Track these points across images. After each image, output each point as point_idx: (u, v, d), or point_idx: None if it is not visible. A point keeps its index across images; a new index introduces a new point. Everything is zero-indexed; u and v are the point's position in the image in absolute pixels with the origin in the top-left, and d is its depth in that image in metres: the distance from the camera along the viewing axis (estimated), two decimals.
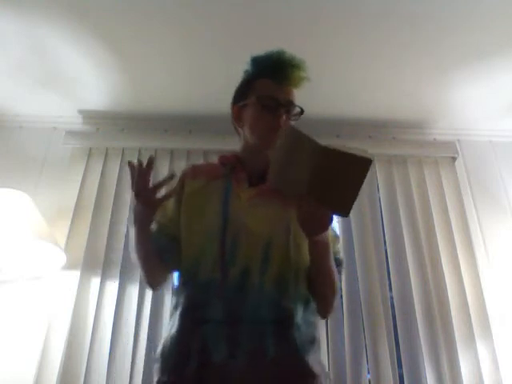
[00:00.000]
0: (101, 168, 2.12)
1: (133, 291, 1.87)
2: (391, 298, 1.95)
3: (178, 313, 1.05)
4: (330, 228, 1.01)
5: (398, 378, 1.78)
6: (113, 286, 1.87)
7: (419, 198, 2.13)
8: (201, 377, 0.94)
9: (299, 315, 1.03)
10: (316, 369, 0.99)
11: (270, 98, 1.15)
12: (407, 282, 1.93)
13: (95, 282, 1.87)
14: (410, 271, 1.95)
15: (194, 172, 1.22)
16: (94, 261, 1.91)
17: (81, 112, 2.25)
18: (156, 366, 1.04)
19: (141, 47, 1.86)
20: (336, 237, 1.22)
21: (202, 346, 0.97)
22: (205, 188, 1.15)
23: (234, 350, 0.95)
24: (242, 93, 1.22)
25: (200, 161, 2.18)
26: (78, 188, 2.04)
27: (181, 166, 2.16)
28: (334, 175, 0.89)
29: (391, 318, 1.89)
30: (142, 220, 1.09)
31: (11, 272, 1.82)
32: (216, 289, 1.00)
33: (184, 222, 1.13)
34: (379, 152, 2.19)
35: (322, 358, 1.07)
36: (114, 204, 2.03)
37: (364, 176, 0.88)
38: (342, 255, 1.22)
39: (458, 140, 2.32)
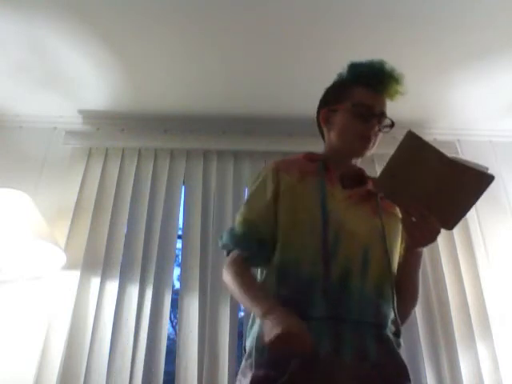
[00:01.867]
0: (101, 168, 2.12)
1: (133, 291, 1.87)
2: None
3: None
4: None
5: None
6: (113, 286, 1.87)
7: None
8: (306, 371, 0.93)
9: (394, 322, 1.05)
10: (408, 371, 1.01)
11: (366, 106, 1.14)
12: None
13: (95, 282, 1.87)
14: None
15: (284, 166, 1.17)
16: (94, 261, 1.90)
17: (81, 112, 2.25)
18: (248, 362, 0.98)
19: (141, 47, 1.86)
20: None
21: None
22: (301, 183, 1.12)
23: (339, 346, 0.96)
24: (335, 97, 1.21)
25: (199, 161, 2.18)
26: (78, 188, 2.04)
27: (181, 166, 2.16)
28: (451, 188, 0.87)
29: None
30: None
31: (11, 272, 1.82)
32: (319, 284, 1.00)
33: (283, 218, 1.09)
34: (379, 152, 2.17)
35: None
36: (114, 204, 2.03)
37: (482, 193, 0.86)
38: None
39: (458, 140, 2.31)
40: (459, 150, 2.25)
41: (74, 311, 1.79)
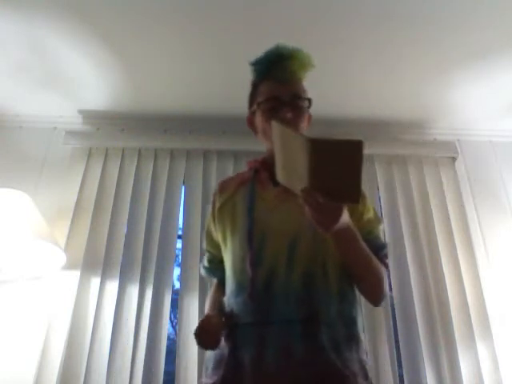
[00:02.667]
0: (101, 168, 2.12)
1: (133, 291, 1.87)
2: (391, 297, 1.95)
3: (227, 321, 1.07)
4: (351, 215, 0.97)
5: (397, 377, 1.78)
6: (113, 286, 1.87)
7: (419, 198, 2.13)
8: (233, 380, 0.96)
9: (332, 312, 1.00)
10: (349, 368, 0.95)
11: (269, 99, 1.13)
12: (407, 282, 1.93)
13: (95, 282, 1.87)
14: (410, 271, 1.95)
15: (221, 187, 1.24)
16: (94, 261, 1.91)
17: (81, 112, 2.25)
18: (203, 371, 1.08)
19: (141, 47, 1.86)
20: (377, 219, 1.16)
21: (233, 348, 0.99)
22: (233, 197, 1.17)
23: (262, 351, 0.95)
24: (250, 99, 1.22)
25: (199, 161, 2.18)
26: (78, 188, 2.04)
27: (181, 166, 2.16)
28: (330, 165, 0.86)
29: (391, 317, 1.89)
30: None
31: (11, 272, 1.82)
32: (246, 291, 1.01)
33: (219, 234, 1.16)
34: (379, 152, 2.20)
35: (363, 357, 1.01)
36: (114, 204, 2.03)
37: (360, 158, 0.85)
38: (382, 239, 1.16)
39: (458, 140, 2.32)
40: (459, 150, 2.25)
41: (74, 311, 1.79)
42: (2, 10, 1.66)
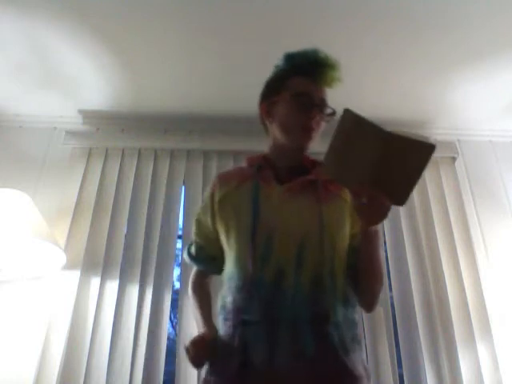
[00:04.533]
0: (101, 168, 2.12)
1: (133, 291, 1.87)
2: (391, 297, 1.95)
3: (221, 317, 1.07)
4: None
5: (397, 377, 1.78)
6: (113, 286, 1.87)
7: (419, 198, 2.13)
8: (241, 377, 0.95)
9: (338, 313, 1.00)
10: (357, 370, 0.96)
11: (306, 96, 1.11)
12: (407, 282, 1.93)
13: (95, 282, 1.87)
14: (410, 271, 1.95)
15: (221, 179, 1.22)
16: (94, 261, 1.91)
17: (81, 112, 2.25)
18: (205, 368, 1.07)
19: (141, 47, 1.86)
20: None
21: (243, 346, 0.98)
22: (235, 191, 1.15)
23: (273, 350, 0.95)
24: (274, 89, 1.18)
25: (200, 161, 2.18)
26: (78, 188, 2.04)
27: (181, 166, 2.16)
28: (395, 162, 0.84)
29: (391, 317, 1.89)
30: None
31: (11, 272, 1.82)
32: (252, 289, 1.01)
33: (222, 227, 1.13)
34: None
35: (363, 359, 1.04)
36: (114, 204, 2.03)
37: (426, 163, 0.83)
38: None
39: (458, 140, 2.32)
40: (459, 150, 2.25)
41: (74, 311, 1.79)
42: (2, 10, 1.66)
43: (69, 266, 1.85)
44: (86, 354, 1.73)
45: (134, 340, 1.78)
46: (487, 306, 1.88)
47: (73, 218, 1.97)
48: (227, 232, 1.12)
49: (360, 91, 2.09)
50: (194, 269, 1.28)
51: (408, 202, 2.25)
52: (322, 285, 1.00)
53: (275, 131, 1.16)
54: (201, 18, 1.72)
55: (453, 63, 1.93)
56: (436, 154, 2.38)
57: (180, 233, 2.06)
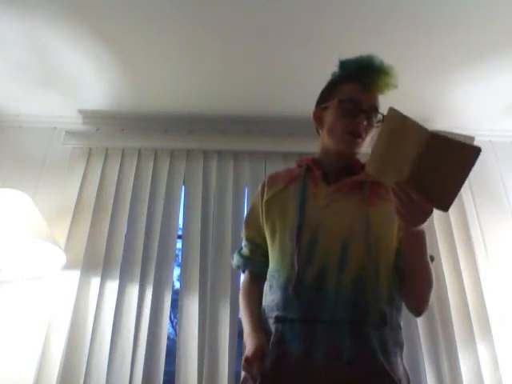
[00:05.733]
0: (101, 168, 2.12)
1: (133, 291, 1.87)
2: None
3: (263, 314, 1.08)
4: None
5: None
6: (113, 286, 1.87)
7: None
8: (277, 370, 0.95)
9: (381, 315, 1.00)
10: (397, 374, 0.95)
11: (352, 101, 1.12)
12: None
13: (95, 282, 1.87)
14: None
15: (271, 180, 1.24)
16: (94, 261, 1.91)
17: (81, 112, 2.25)
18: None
19: (141, 47, 1.86)
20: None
21: (279, 340, 0.98)
22: (283, 192, 1.17)
23: (310, 348, 0.95)
24: (326, 95, 1.20)
25: (200, 161, 2.18)
26: (78, 188, 2.04)
27: (181, 167, 2.16)
28: (438, 164, 0.81)
29: None
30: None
31: (11, 272, 1.82)
32: (292, 288, 1.01)
33: (268, 226, 1.15)
34: None
35: (404, 363, 1.03)
36: (114, 204, 2.03)
37: (471, 166, 0.81)
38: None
39: None
40: None
41: (74, 311, 1.79)
42: (2, 10, 1.66)
43: (69, 265, 1.85)
44: (86, 354, 1.73)
45: (134, 340, 1.78)
46: (487, 306, 1.88)
47: (73, 218, 1.97)
48: (273, 231, 1.13)
49: None
50: (244, 278, 1.25)
51: None
52: (364, 286, 1.00)
53: (324, 137, 1.19)
54: (201, 18, 1.72)
55: (453, 63, 1.93)
56: None
57: (180, 233, 2.06)
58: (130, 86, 2.08)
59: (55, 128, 2.25)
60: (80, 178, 2.07)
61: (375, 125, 1.15)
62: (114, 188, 2.07)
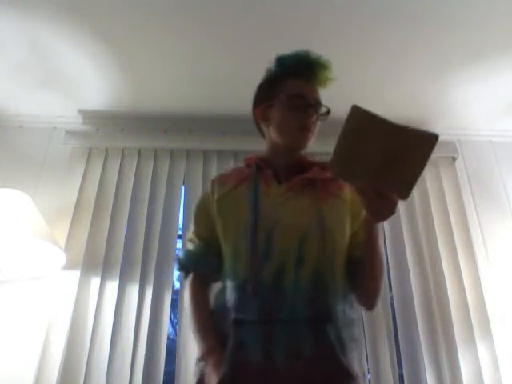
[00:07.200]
0: (101, 168, 2.12)
1: (133, 291, 1.87)
2: (391, 297, 1.95)
3: (215, 317, 1.05)
4: None
5: (397, 377, 1.78)
6: (113, 286, 1.87)
7: (419, 198, 2.13)
8: (236, 377, 0.93)
9: (337, 311, 1.00)
10: (355, 369, 0.96)
11: (301, 97, 1.13)
12: (407, 282, 1.93)
13: (95, 282, 1.87)
14: (410, 271, 1.95)
15: (221, 179, 1.21)
16: (94, 261, 1.91)
17: (81, 112, 2.25)
18: (195, 369, 1.03)
19: (141, 47, 1.86)
20: None
21: (238, 346, 0.96)
22: (234, 191, 1.14)
23: (270, 350, 0.94)
24: (268, 93, 1.19)
25: (200, 161, 2.18)
26: (78, 188, 2.04)
27: (181, 167, 2.16)
28: (400, 156, 0.84)
29: (391, 317, 1.89)
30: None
31: (11, 272, 1.82)
32: (250, 288, 0.99)
33: (220, 226, 1.12)
34: None
35: (360, 358, 1.03)
36: (114, 204, 2.03)
37: (429, 155, 0.83)
38: None
39: (458, 140, 2.32)
40: (459, 150, 2.25)
41: (74, 311, 1.79)
42: (2, 10, 1.66)
43: (69, 265, 1.85)
44: (86, 354, 1.73)
45: (134, 340, 1.78)
46: (487, 306, 1.88)
47: (73, 218, 1.97)
48: (225, 231, 1.11)
49: (360, 91, 2.09)
50: (190, 280, 1.17)
51: (408, 202, 2.25)
52: (322, 282, 1.00)
53: (272, 134, 1.17)
54: (201, 18, 1.72)
55: (453, 63, 1.93)
56: (436, 154, 2.39)
57: (180, 233, 2.06)
58: (130, 86, 2.08)
59: (55, 128, 2.25)
60: (80, 178, 2.07)
61: (321, 118, 1.17)
62: (114, 188, 2.07)
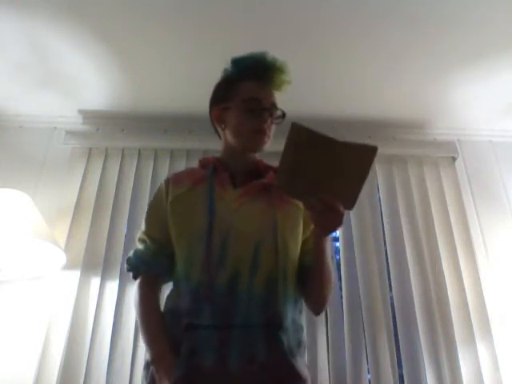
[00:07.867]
0: (101, 168, 2.12)
1: (133, 291, 1.86)
2: (391, 297, 1.95)
3: (168, 321, 1.03)
4: None
5: (397, 377, 1.78)
6: (113, 286, 1.87)
7: (419, 198, 2.13)
8: (189, 381, 0.92)
9: (288, 318, 1.01)
10: (304, 373, 0.98)
11: (256, 100, 1.14)
12: (407, 282, 1.93)
13: (95, 282, 1.87)
14: (410, 271, 1.95)
15: (175, 179, 1.19)
16: (94, 261, 1.90)
17: (81, 112, 2.25)
18: (144, 373, 1.01)
19: (141, 47, 1.86)
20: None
21: (191, 350, 0.95)
22: (189, 192, 1.12)
23: (225, 355, 0.94)
24: (224, 94, 1.20)
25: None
26: (78, 188, 2.04)
27: (181, 166, 2.16)
28: (343, 168, 0.88)
29: (391, 317, 1.89)
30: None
31: (11, 272, 1.82)
32: (205, 292, 0.98)
33: (173, 230, 1.10)
34: (379, 152, 2.17)
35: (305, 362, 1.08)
36: (114, 204, 2.03)
37: (370, 165, 0.88)
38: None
39: (458, 140, 2.32)
40: (459, 150, 2.25)
41: (74, 311, 1.79)
42: (2, 10, 1.66)
43: (69, 266, 1.85)
44: (86, 354, 1.73)
45: (134, 340, 1.78)
46: (487, 306, 1.88)
47: (73, 218, 1.97)
48: (179, 234, 1.08)
49: (360, 91, 2.09)
50: (139, 281, 1.12)
51: (408, 202, 2.24)
52: (275, 288, 1.00)
53: (228, 136, 1.18)
54: (201, 18, 1.72)
55: (453, 63, 1.93)
56: (436, 154, 2.38)
57: None
58: (130, 86, 2.08)
59: (55, 128, 2.25)
60: (80, 178, 2.07)
61: (276, 121, 1.18)
62: (114, 188, 2.07)
